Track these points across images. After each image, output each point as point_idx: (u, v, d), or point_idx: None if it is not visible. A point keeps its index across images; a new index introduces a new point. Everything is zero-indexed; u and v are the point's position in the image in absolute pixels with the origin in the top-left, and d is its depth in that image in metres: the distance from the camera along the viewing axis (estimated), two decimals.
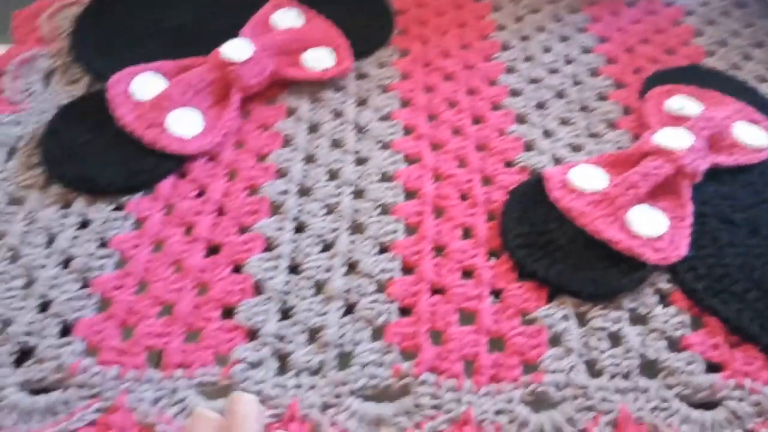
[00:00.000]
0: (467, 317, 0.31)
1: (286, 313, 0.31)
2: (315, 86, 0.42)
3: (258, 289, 0.32)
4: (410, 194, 0.37)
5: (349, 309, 0.32)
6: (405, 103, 0.42)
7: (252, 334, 0.30)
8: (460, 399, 0.28)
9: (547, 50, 0.47)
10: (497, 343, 0.31)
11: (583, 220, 0.34)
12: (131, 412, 0.27)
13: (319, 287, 0.32)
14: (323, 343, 0.30)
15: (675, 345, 0.30)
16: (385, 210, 0.36)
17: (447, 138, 0.40)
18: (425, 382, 0.29)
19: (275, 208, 0.36)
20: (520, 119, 0.41)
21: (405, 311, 0.31)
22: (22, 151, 0.37)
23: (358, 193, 0.37)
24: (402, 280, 0.32)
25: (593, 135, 0.41)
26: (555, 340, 0.31)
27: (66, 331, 0.30)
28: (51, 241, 0.34)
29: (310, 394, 0.28)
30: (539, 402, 0.29)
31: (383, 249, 0.34)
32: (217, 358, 0.30)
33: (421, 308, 0.31)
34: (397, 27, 0.47)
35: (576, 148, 0.40)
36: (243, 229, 0.34)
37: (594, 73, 0.45)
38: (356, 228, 0.35)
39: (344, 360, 0.30)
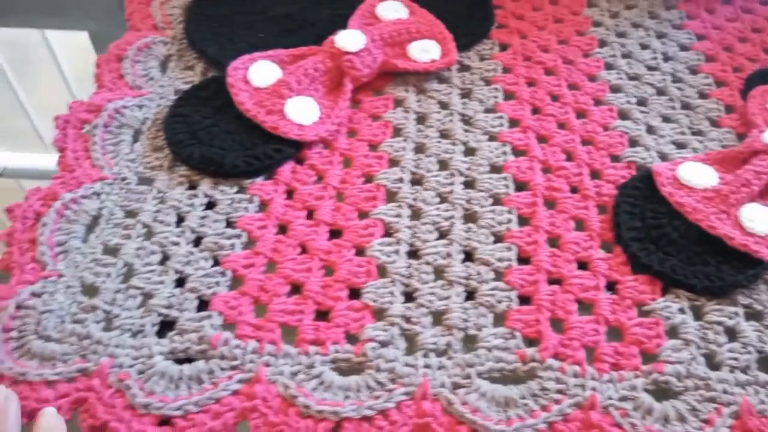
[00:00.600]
0: (584, 307, 0.32)
1: (408, 296, 0.33)
2: (419, 78, 0.43)
3: (381, 271, 0.33)
4: (521, 186, 0.37)
5: (470, 295, 0.33)
6: (509, 96, 0.43)
7: (379, 314, 0.32)
8: (584, 384, 0.29)
9: (644, 47, 0.47)
10: (615, 332, 0.31)
11: (697, 215, 0.34)
12: (272, 384, 0.29)
13: (438, 272, 0.33)
14: (448, 326, 0.31)
15: None
16: (497, 200, 0.37)
17: (553, 131, 0.40)
18: (550, 368, 0.30)
19: (391, 196, 0.37)
20: (623, 115, 0.42)
21: (524, 299, 0.32)
22: (146, 133, 0.39)
23: (469, 183, 0.38)
24: (520, 269, 0.33)
25: (696, 132, 0.41)
26: (672, 332, 0.31)
27: (202, 305, 0.32)
28: (181, 219, 0.35)
29: (438, 374, 0.30)
30: (660, 391, 0.29)
31: (498, 238, 0.35)
32: (347, 336, 0.31)
33: (541, 297, 0.32)
34: (496, 21, 0.48)
35: (680, 145, 0.40)
36: (362, 215, 0.36)
37: (693, 70, 0.45)
38: (470, 217, 0.36)
39: (469, 343, 0.31)
